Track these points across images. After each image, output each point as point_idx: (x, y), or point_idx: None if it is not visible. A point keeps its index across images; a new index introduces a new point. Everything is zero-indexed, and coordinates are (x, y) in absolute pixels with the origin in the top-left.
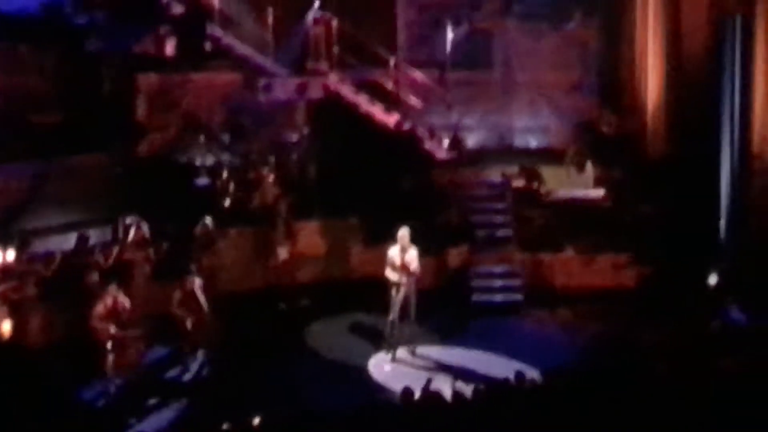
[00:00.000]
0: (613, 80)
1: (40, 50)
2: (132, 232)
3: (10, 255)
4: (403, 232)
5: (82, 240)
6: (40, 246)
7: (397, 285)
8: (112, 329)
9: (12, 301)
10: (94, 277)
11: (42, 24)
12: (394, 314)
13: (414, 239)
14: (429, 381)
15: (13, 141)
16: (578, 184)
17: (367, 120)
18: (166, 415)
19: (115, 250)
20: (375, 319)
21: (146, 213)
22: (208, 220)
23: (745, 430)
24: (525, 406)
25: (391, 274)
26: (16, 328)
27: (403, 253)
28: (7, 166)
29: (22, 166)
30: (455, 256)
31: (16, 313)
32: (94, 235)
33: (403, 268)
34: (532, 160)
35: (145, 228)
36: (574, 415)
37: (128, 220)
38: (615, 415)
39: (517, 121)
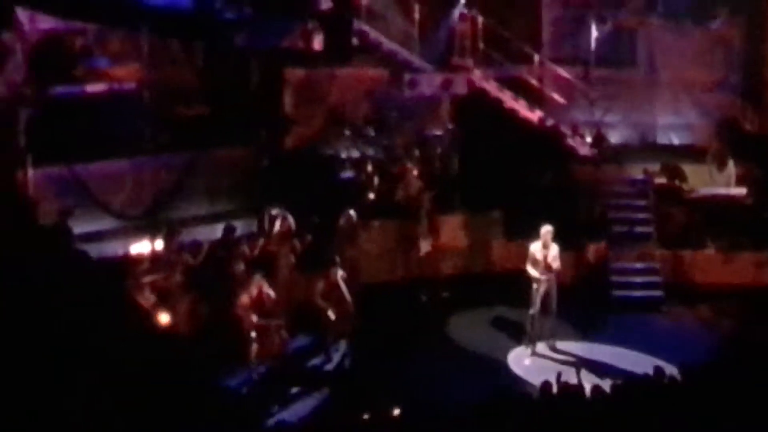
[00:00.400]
0: (757, 79)
1: (190, 44)
2: (278, 224)
3: (159, 244)
4: (547, 229)
5: (229, 230)
6: (187, 236)
7: (538, 280)
8: (256, 318)
9: (160, 289)
10: (240, 267)
11: (192, 18)
12: (534, 309)
13: (555, 235)
14: (565, 375)
15: (163, 133)
16: (720, 182)
17: (511, 116)
18: (308, 403)
19: (261, 240)
20: (516, 313)
21: (291, 205)
22: (352, 212)
23: None
24: (664, 403)
25: (532, 270)
26: (164, 315)
27: (545, 250)
28: (156, 157)
29: (170, 157)
30: (595, 251)
31: (164, 301)
32: (240, 226)
33: (545, 264)
34: (674, 157)
35: (291, 219)
36: (713, 412)
37: (274, 212)
38: (753, 412)
39: (660, 119)
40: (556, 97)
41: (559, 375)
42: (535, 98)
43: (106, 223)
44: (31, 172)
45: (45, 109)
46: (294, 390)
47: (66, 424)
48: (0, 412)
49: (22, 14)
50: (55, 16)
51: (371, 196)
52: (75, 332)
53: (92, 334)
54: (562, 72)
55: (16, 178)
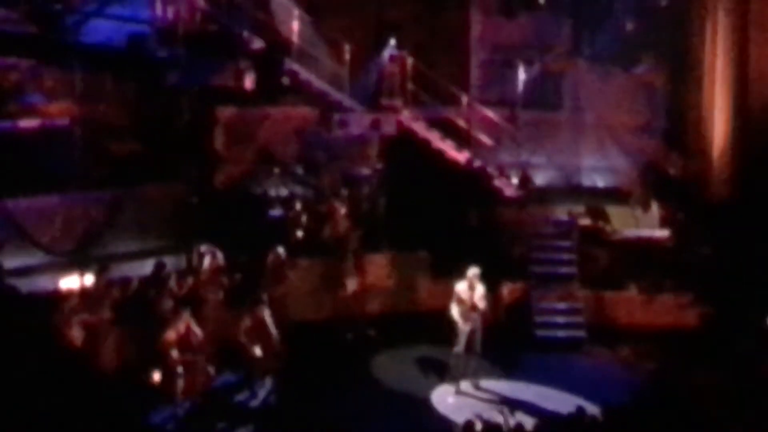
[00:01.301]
0: (680, 123)
1: (122, 81)
2: (207, 260)
3: (89, 279)
4: (473, 273)
5: (159, 267)
6: (117, 272)
7: (463, 320)
8: (183, 354)
9: (89, 324)
10: (168, 303)
11: (125, 56)
12: (459, 347)
13: (481, 275)
14: (489, 413)
15: (94, 169)
16: (643, 225)
17: (439, 156)
18: None
19: (190, 278)
20: (441, 352)
21: (220, 242)
22: (280, 250)
23: None
24: None
25: (455, 311)
26: (90, 351)
27: (471, 290)
28: (87, 192)
29: (101, 193)
30: (513, 291)
31: (92, 336)
32: (170, 263)
33: (471, 305)
34: (598, 199)
35: (220, 256)
36: None
37: (203, 249)
38: None
39: (585, 161)
40: (484, 138)
41: (481, 414)
42: (462, 139)
43: (36, 259)
44: None
45: None
46: (219, 426)
47: None
48: None
49: None
50: None
51: (299, 234)
52: (3, 366)
53: (20, 369)
54: (490, 114)
55: None
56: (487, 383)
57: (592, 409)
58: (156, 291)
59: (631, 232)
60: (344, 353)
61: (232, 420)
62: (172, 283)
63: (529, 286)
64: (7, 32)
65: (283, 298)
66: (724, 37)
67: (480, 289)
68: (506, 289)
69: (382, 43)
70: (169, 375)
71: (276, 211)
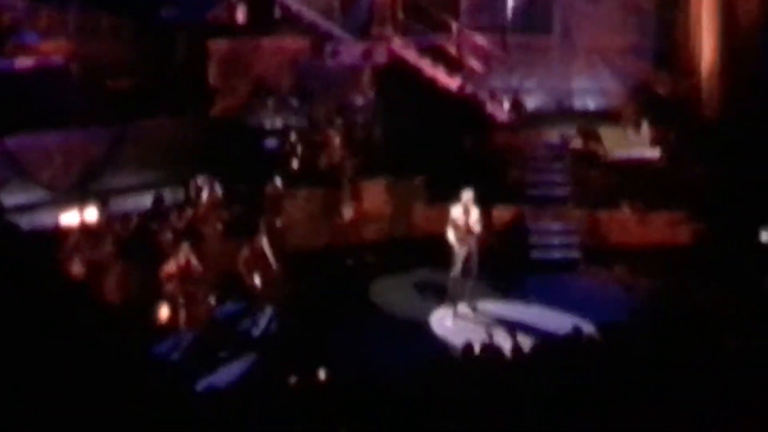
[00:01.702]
0: (669, 43)
1: (117, 18)
2: (205, 193)
3: (90, 214)
4: (467, 195)
5: (159, 200)
6: (117, 206)
7: (458, 244)
8: (184, 286)
9: (89, 260)
10: (168, 236)
11: None
12: (456, 271)
13: (475, 199)
14: (489, 336)
15: (92, 105)
16: (635, 145)
17: (431, 83)
18: (236, 368)
19: (189, 210)
20: (438, 276)
21: (218, 174)
22: (277, 180)
23: None
24: (581, 361)
25: (451, 236)
26: (93, 285)
27: (466, 214)
28: (85, 129)
29: (99, 129)
30: (513, 213)
31: (94, 271)
32: (168, 196)
33: (467, 228)
34: (589, 121)
35: (219, 189)
36: (630, 369)
37: (200, 181)
38: (668, 370)
39: (576, 84)
40: (475, 64)
41: (489, 336)
42: (454, 66)
43: (36, 195)
44: None
45: None
46: (222, 355)
47: None
48: None
49: None
50: None
51: (295, 164)
52: (3, 303)
53: (23, 304)
54: (480, 39)
55: None
56: (484, 305)
57: (589, 328)
58: (156, 224)
59: (623, 152)
60: (343, 280)
61: (234, 348)
62: (172, 215)
63: (524, 208)
64: None
65: (280, 227)
66: None
67: (475, 213)
68: (502, 212)
69: None
70: (171, 306)
71: (272, 142)
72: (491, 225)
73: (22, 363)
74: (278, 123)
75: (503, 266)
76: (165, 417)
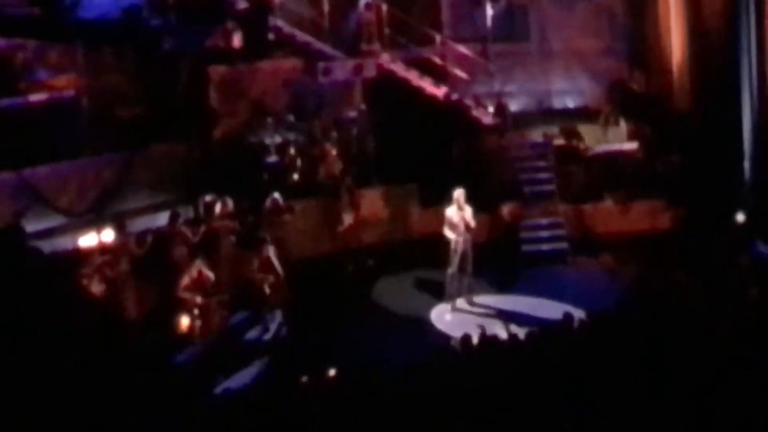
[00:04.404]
0: (640, 43)
1: (122, 51)
2: (218, 208)
3: (106, 236)
4: (459, 193)
5: (174, 217)
6: (131, 227)
7: (457, 241)
8: (198, 298)
9: (109, 278)
10: (183, 251)
11: (121, 28)
12: (452, 268)
13: (468, 199)
14: (484, 327)
15: (103, 134)
16: (613, 140)
17: (418, 93)
18: (251, 372)
19: (203, 225)
20: (435, 274)
21: (223, 191)
22: (276, 194)
23: None
24: (574, 345)
25: (448, 232)
26: (112, 303)
27: (459, 212)
28: (97, 157)
29: (111, 156)
30: (504, 211)
31: (113, 289)
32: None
33: (464, 225)
34: (570, 119)
35: (230, 203)
36: (619, 351)
37: (208, 198)
38: (656, 349)
39: (555, 85)
40: (459, 73)
41: (484, 327)
42: (439, 76)
43: (55, 221)
44: None
45: None
46: (236, 360)
47: (22, 405)
48: None
49: None
50: None
51: (295, 177)
52: (32, 322)
53: (48, 323)
54: (463, 49)
55: None
56: (480, 299)
57: (580, 314)
58: (170, 240)
59: (602, 147)
60: (346, 283)
61: (248, 354)
62: (186, 231)
63: (514, 205)
64: (10, 15)
65: (283, 238)
66: None
67: (468, 209)
68: (496, 211)
69: None
70: (187, 317)
71: (272, 158)
72: (497, 221)
73: (50, 377)
74: (277, 140)
75: (496, 261)
76: (187, 421)
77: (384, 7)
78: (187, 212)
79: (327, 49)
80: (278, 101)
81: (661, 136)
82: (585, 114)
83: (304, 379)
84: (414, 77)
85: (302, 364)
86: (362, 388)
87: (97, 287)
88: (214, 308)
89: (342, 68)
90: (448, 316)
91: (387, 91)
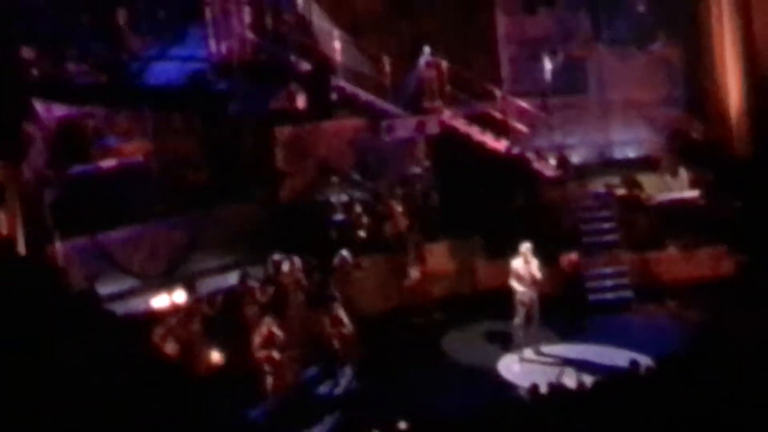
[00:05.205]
0: (698, 92)
1: (188, 116)
2: (285, 266)
3: (178, 296)
4: (526, 247)
5: (244, 276)
6: (202, 286)
7: (522, 293)
8: (270, 355)
9: (180, 338)
10: (253, 310)
11: (187, 93)
12: (519, 319)
13: (533, 250)
14: (552, 376)
15: (172, 197)
16: (674, 188)
17: (481, 148)
18: (323, 426)
19: (272, 284)
20: (502, 325)
21: (291, 250)
22: (345, 252)
23: None
24: (641, 392)
25: (515, 284)
26: (185, 361)
27: (526, 266)
28: (167, 219)
29: (180, 218)
30: (569, 261)
31: (185, 348)
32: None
33: (531, 278)
34: (631, 169)
35: (298, 262)
36: (686, 398)
37: (276, 258)
38: (721, 394)
39: (615, 136)
40: (520, 126)
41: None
42: (500, 130)
43: (128, 283)
44: (59, 244)
45: (66, 187)
46: (309, 415)
47: None
48: None
49: (39, 105)
50: (68, 104)
51: (362, 234)
52: (109, 383)
53: (124, 384)
54: (523, 104)
55: (46, 251)
56: (547, 348)
57: (646, 361)
58: (240, 300)
59: (664, 196)
60: (414, 336)
61: (320, 409)
62: (256, 290)
63: (579, 255)
64: (80, 84)
65: (352, 294)
66: (729, 8)
67: (534, 262)
68: (559, 260)
69: (417, 52)
70: (259, 374)
71: (339, 216)
72: (556, 273)
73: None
74: (344, 198)
75: (563, 310)
76: None
77: (444, 64)
78: (256, 272)
79: (389, 107)
80: (343, 160)
81: (721, 183)
82: (645, 163)
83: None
84: (476, 132)
85: (373, 418)
86: None
87: (170, 347)
88: (286, 364)
89: (405, 126)
90: (516, 367)
91: (450, 146)
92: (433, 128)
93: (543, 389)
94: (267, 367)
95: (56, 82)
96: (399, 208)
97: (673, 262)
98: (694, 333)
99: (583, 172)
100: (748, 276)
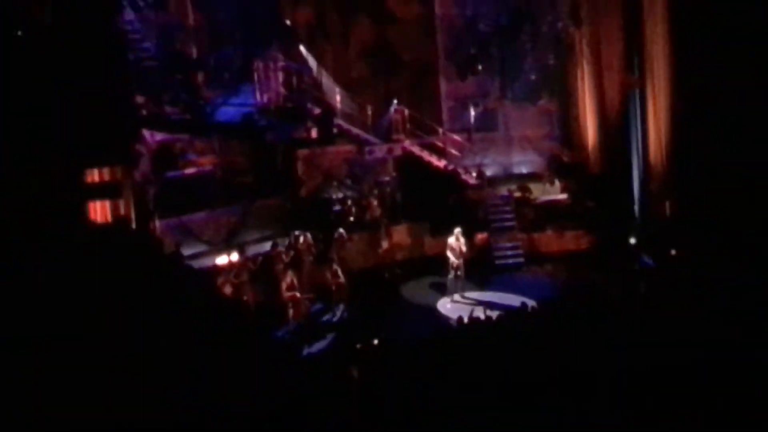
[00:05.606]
0: (568, 130)
1: (241, 141)
2: (302, 239)
3: (233, 257)
4: (458, 230)
5: (274, 245)
6: (248, 251)
7: (455, 259)
8: (292, 295)
9: (234, 284)
10: (280, 267)
11: (241, 126)
12: (451, 275)
13: (462, 232)
14: (471, 312)
15: (229, 193)
16: (551, 192)
17: (429, 165)
18: (324, 342)
19: (292, 251)
20: (440, 279)
21: (306, 228)
22: (341, 230)
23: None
24: (528, 324)
25: (449, 253)
26: (236, 300)
27: (457, 242)
28: (226, 207)
29: (234, 207)
30: (481, 239)
31: (237, 291)
32: (278, 243)
33: (460, 251)
34: (524, 180)
35: (309, 236)
36: (560, 328)
37: (296, 233)
38: (584, 324)
39: (514, 159)
40: (454, 151)
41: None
42: (441, 154)
43: (201, 248)
44: (157, 222)
45: (162, 185)
46: (315, 334)
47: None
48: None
49: (146, 133)
50: (164, 132)
51: (351, 219)
52: (187, 315)
53: (194, 316)
54: (456, 137)
55: (149, 227)
56: (469, 294)
57: (532, 303)
58: (272, 260)
59: (545, 197)
60: (384, 285)
61: (323, 331)
62: (282, 254)
63: (488, 235)
64: (173, 120)
65: (345, 257)
66: (588, 78)
67: (462, 240)
68: (476, 238)
69: (389, 103)
70: (283, 309)
71: (337, 207)
72: (473, 245)
73: (199, 348)
74: (340, 195)
75: (479, 270)
76: (283, 374)
77: (406, 111)
78: (283, 242)
79: (370, 138)
80: (340, 171)
81: (581, 190)
82: (534, 176)
83: (358, 346)
84: (426, 155)
85: (356, 337)
86: (393, 352)
87: (228, 290)
88: (302, 302)
89: (380, 150)
90: (449, 305)
91: (409, 164)
92: (398, 152)
93: (466, 321)
94: (289, 304)
95: (157, 118)
96: (375, 203)
97: (550, 239)
98: (563, 286)
99: (493, 181)
100: (598, 250)
